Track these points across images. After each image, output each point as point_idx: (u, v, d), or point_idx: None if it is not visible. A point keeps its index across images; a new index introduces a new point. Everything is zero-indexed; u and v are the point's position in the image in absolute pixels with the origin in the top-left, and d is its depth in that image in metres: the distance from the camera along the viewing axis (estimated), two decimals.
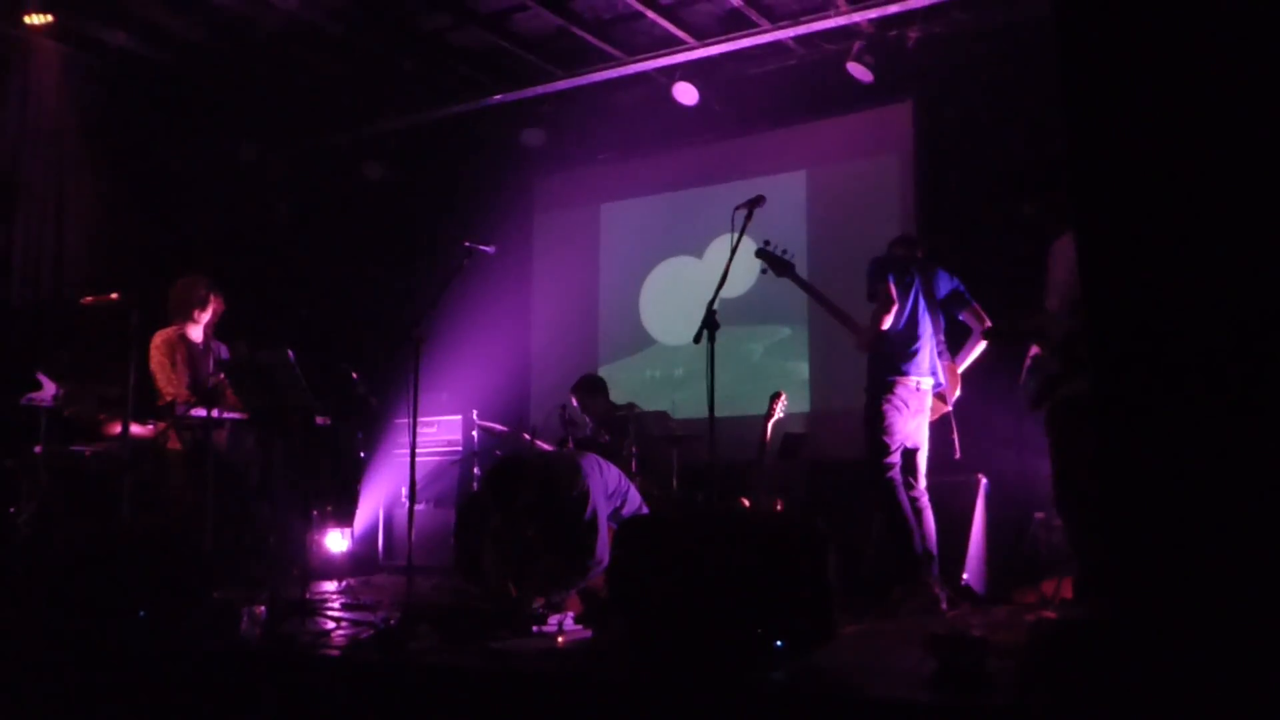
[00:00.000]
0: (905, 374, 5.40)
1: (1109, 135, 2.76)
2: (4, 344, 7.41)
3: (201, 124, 8.92)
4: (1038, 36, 7.09)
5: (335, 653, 4.20)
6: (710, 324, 4.50)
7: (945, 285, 5.63)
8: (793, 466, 7.14)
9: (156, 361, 6.23)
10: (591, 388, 7.75)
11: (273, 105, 9.13)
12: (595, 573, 4.96)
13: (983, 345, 5.60)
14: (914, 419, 5.45)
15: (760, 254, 5.74)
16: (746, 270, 5.69)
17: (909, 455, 5.47)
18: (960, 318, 5.65)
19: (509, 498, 5.08)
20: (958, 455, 5.53)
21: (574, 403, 7.74)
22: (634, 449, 7.03)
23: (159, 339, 6.31)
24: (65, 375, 6.16)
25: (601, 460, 5.41)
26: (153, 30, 8.04)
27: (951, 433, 5.57)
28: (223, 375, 6.12)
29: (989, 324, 5.54)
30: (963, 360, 5.64)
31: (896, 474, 5.40)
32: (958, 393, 5.63)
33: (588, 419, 7.71)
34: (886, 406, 5.38)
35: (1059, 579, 5.67)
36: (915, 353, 5.43)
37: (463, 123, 9.40)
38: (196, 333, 6.40)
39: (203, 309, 6.38)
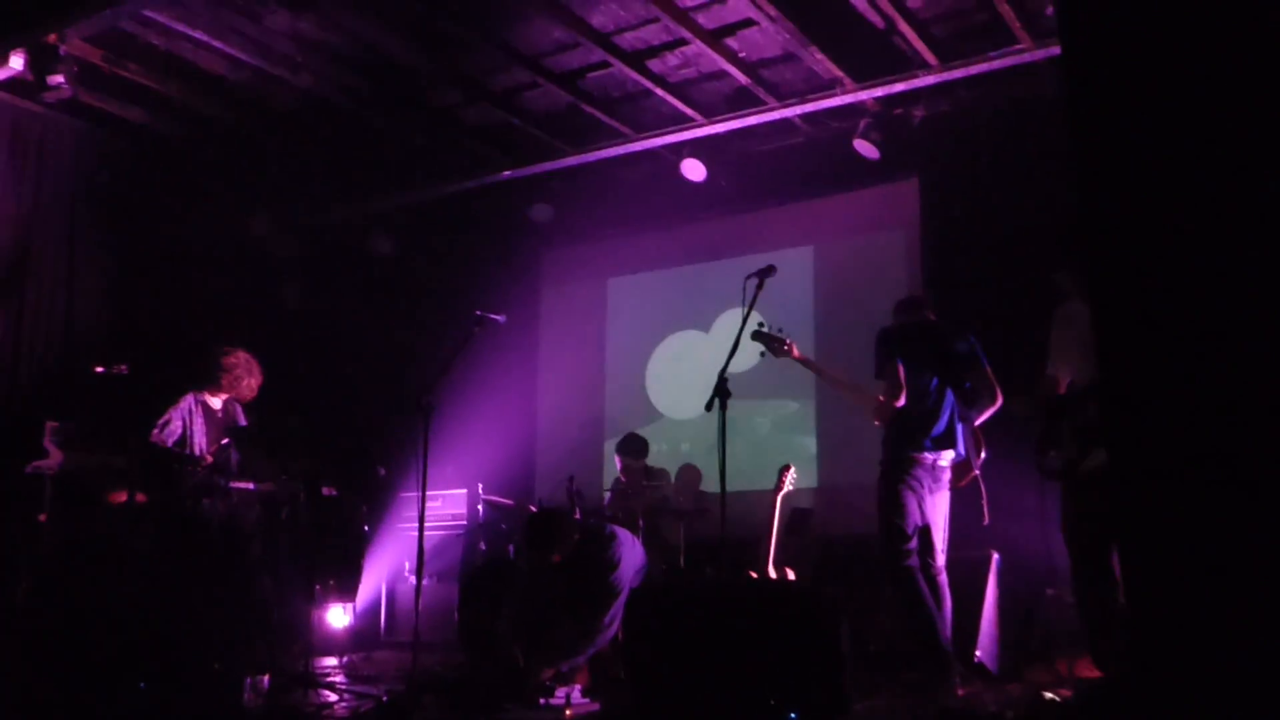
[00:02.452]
0: (924, 450, 5.17)
1: (1120, 206, 2.77)
2: (12, 412, 7.41)
3: (213, 198, 9.00)
4: (1041, 114, 7.21)
5: None
6: (722, 392, 4.46)
7: (961, 348, 5.41)
8: (800, 541, 7.07)
9: (165, 417, 6.24)
10: (641, 449, 7.88)
11: (284, 179, 9.23)
12: (604, 638, 4.91)
13: (992, 411, 5.44)
14: (930, 498, 5.20)
15: (757, 336, 5.53)
16: (753, 345, 5.65)
17: (924, 533, 5.20)
18: (968, 385, 5.39)
19: (546, 548, 5.07)
20: (986, 521, 5.34)
21: (617, 463, 7.84)
22: (640, 522, 6.99)
23: (185, 403, 6.32)
24: (72, 444, 6.14)
25: (633, 536, 5.43)
26: (166, 105, 8.15)
27: (980, 497, 5.35)
28: (227, 440, 6.10)
29: (999, 393, 5.39)
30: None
31: (915, 560, 5.11)
32: (983, 454, 5.44)
33: (622, 479, 7.72)
34: (901, 488, 5.13)
35: (1072, 657, 5.58)
36: (935, 426, 5.20)
37: (472, 198, 9.49)
38: (216, 401, 6.39)
39: (216, 387, 6.37)
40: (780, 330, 5.66)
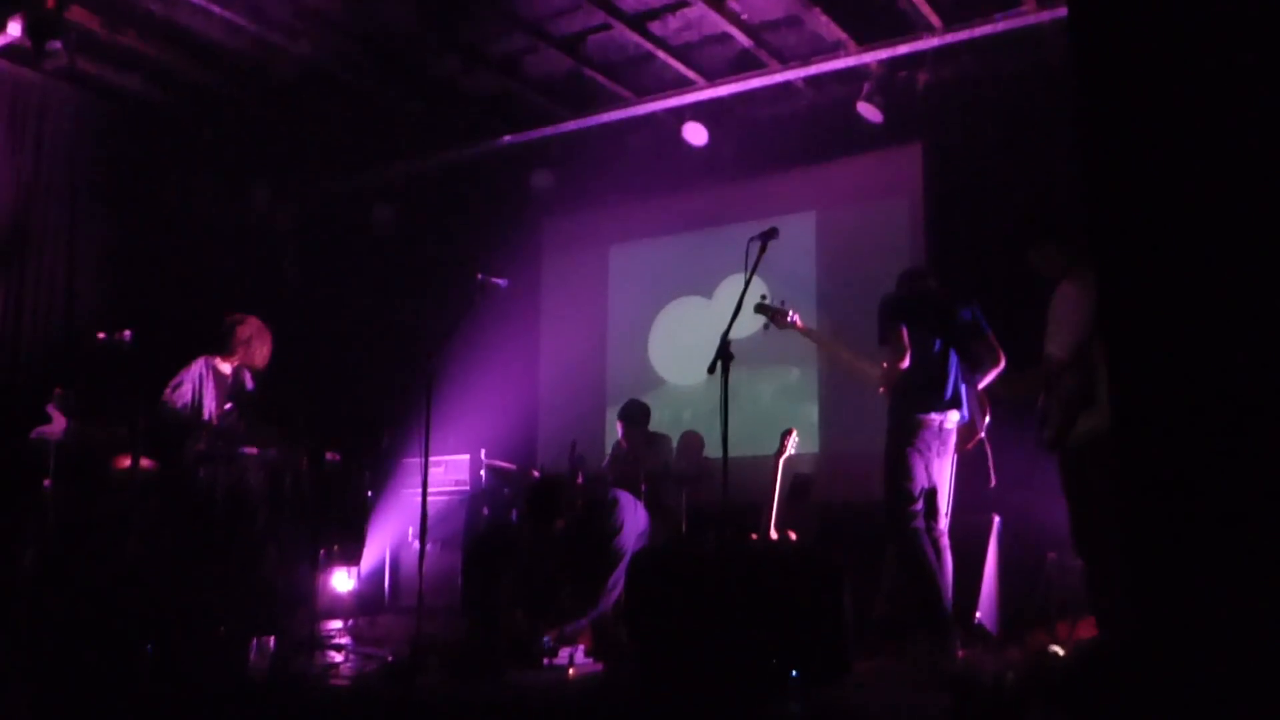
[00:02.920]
0: (930, 413, 5.21)
1: (1126, 173, 2.76)
2: (15, 380, 7.42)
3: (213, 167, 8.98)
4: (1045, 81, 7.17)
5: (344, 684, 4.18)
6: (724, 354, 4.46)
7: (963, 314, 5.46)
8: (802, 507, 7.10)
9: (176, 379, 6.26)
10: (642, 416, 7.87)
11: (283, 149, 9.20)
12: (607, 602, 4.96)
13: (995, 373, 5.50)
14: (936, 461, 5.25)
15: (760, 309, 5.59)
16: (757, 313, 5.66)
17: (929, 496, 5.24)
18: (972, 349, 5.45)
19: (548, 516, 5.11)
20: (993, 483, 5.38)
21: (619, 429, 7.84)
22: (643, 487, 7.01)
23: (196, 366, 6.33)
24: (75, 411, 6.16)
25: (636, 501, 5.45)
26: (165, 75, 8.12)
27: (987, 460, 5.41)
28: (231, 405, 6.11)
29: (1002, 357, 5.45)
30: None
31: (921, 522, 5.16)
32: (988, 418, 5.48)
33: (624, 445, 7.73)
34: (909, 450, 5.17)
35: (1073, 620, 5.61)
36: (941, 390, 5.24)
37: (472, 165, 9.45)
38: (226, 367, 6.41)
39: (229, 354, 6.39)
40: (783, 302, 5.67)
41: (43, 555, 5.80)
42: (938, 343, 5.32)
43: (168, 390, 6.16)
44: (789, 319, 5.72)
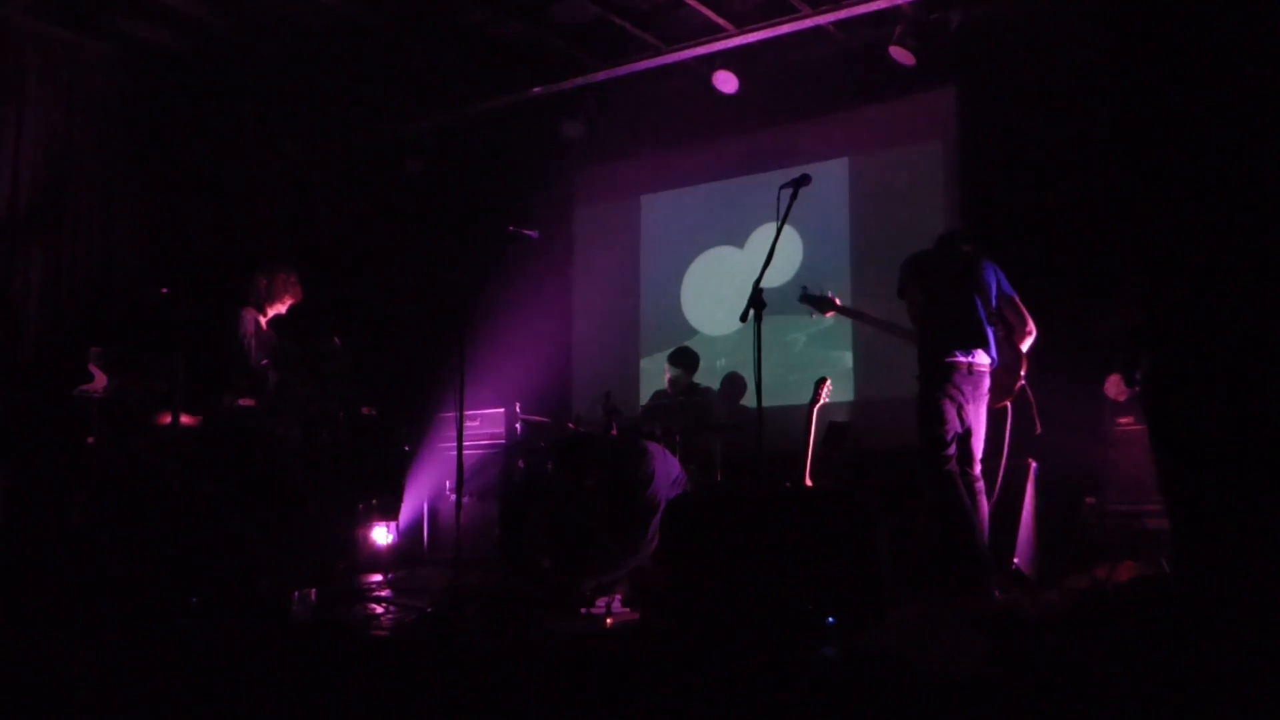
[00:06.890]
0: (957, 356, 5.18)
1: (1163, 124, 2.73)
2: (56, 338, 7.51)
3: (245, 121, 8.99)
4: (1082, 19, 7.02)
5: (385, 634, 4.24)
6: (757, 303, 4.45)
7: (990, 276, 5.42)
8: (837, 455, 7.09)
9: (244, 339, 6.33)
10: (693, 363, 7.89)
11: (315, 101, 9.19)
12: (646, 551, 4.99)
13: (1029, 341, 5.46)
14: (968, 405, 5.22)
15: (804, 299, 5.67)
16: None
17: (962, 440, 5.23)
18: (1004, 315, 5.44)
19: (578, 474, 5.15)
20: (1039, 430, 5.35)
21: (667, 374, 7.86)
22: (677, 437, 7.03)
23: (249, 317, 6.38)
24: (116, 368, 6.24)
25: (666, 450, 5.47)
26: (196, 27, 8.11)
27: (1030, 408, 5.37)
28: (266, 361, 6.16)
29: (1031, 325, 5.41)
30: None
31: (955, 466, 5.15)
32: (1025, 367, 5.44)
33: (669, 390, 7.78)
34: (940, 396, 5.15)
35: (1111, 563, 5.60)
36: (964, 328, 5.22)
37: (502, 116, 9.42)
38: (264, 322, 6.47)
39: (269, 304, 6.45)
40: (823, 291, 5.70)
41: (88, 510, 5.90)
42: (958, 287, 5.31)
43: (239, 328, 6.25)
44: (831, 303, 5.75)
